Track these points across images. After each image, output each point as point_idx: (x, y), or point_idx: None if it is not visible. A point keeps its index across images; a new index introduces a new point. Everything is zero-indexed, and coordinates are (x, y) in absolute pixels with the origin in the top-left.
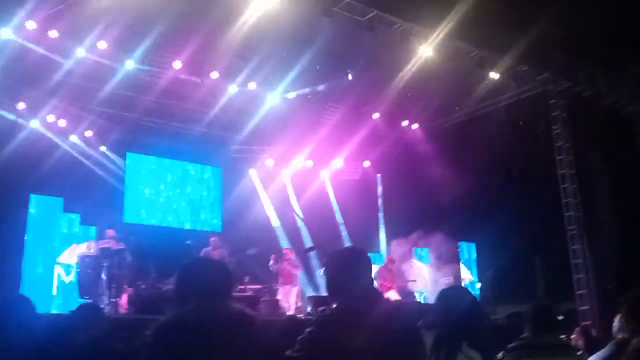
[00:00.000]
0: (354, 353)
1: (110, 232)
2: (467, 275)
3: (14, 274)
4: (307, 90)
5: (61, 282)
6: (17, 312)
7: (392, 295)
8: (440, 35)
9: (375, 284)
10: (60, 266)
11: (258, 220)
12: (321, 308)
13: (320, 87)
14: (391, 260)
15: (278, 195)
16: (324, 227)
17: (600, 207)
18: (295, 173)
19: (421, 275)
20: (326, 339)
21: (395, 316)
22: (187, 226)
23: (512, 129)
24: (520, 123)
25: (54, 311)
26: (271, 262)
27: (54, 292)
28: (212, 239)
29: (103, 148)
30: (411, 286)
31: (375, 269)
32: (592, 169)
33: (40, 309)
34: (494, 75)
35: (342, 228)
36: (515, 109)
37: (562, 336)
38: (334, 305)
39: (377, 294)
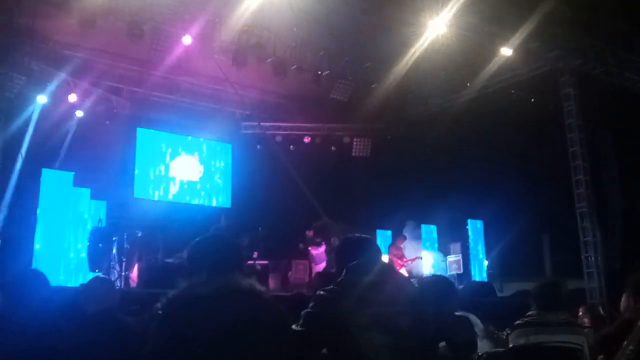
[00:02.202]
0: (357, 325)
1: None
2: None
3: (26, 248)
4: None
5: None
6: (31, 286)
7: (402, 272)
8: (452, 11)
9: (388, 259)
10: None
11: (267, 196)
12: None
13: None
14: (401, 238)
15: (287, 170)
16: (332, 202)
17: (609, 185)
18: (304, 149)
19: (428, 253)
20: (329, 314)
21: (402, 291)
22: (197, 202)
23: (523, 106)
24: (531, 100)
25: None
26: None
27: None
28: (224, 219)
29: (113, 123)
30: (419, 264)
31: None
32: (601, 146)
33: (52, 283)
34: (505, 52)
35: (351, 204)
36: (525, 85)
37: (569, 314)
38: (338, 281)
39: (387, 270)
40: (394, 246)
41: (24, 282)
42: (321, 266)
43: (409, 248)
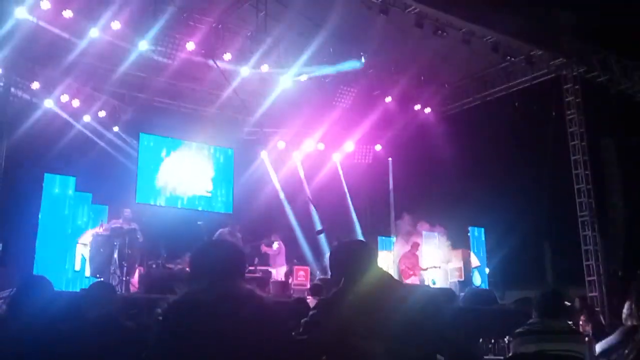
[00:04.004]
0: (356, 334)
1: (126, 212)
2: (475, 261)
3: (28, 253)
4: (319, 73)
5: (84, 261)
6: (37, 292)
7: (414, 281)
8: (455, 19)
9: (399, 268)
10: (84, 246)
11: (269, 202)
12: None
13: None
14: (415, 245)
15: (289, 177)
16: (334, 210)
17: (611, 194)
18: (306, 156)
19: (431, 260)
20: (327, 322)
21: (400, 300)
22: (198, 207)
23: (525, 114)
24: (534, 108)
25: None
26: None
27: (77, 267)
28: (230, 225)
29: (116, 128)
30: (435, 273)
31: (397, 253)
32: (604, 155)
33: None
34: (508, 60)
35: (353, 212)
36: (528, 93)
37: (570, 322)
38: (336, 289)
39: (385, 278)
40: (407, 255)
41: (29, 289)
42: (280, 270)
43: (426, 256)
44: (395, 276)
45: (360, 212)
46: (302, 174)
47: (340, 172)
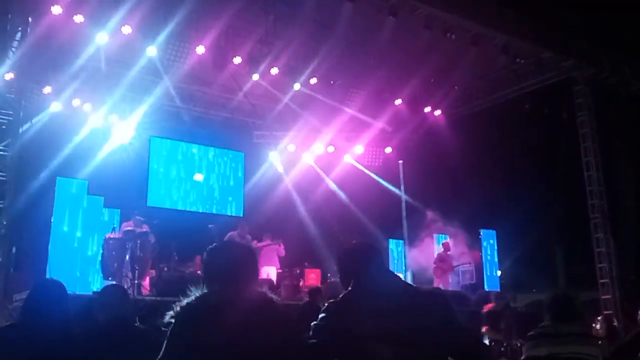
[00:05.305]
0: (365, 337)
1: (138, 217)
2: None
3: (40, 256)
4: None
5: None
6: (50, 295)
7: (446, 279)
8: (464, 21)
9: (433, 268)
10: None
11: (279, 204)
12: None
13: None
14: (446, 246)
15: (301, 179)
16: (345, 213)
17: (623, 195)
18: (316, 158)
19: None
20: (337, 326)
21: (410, 302)
22: (210, 210)
23: (536, 116)
24: (544, 109)
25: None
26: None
27: None
28: (240, 227)
29: (127, 131)
30: (465, 270)
31: (411, 255)
32: (616, 156)
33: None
34: (518, 62)
35: (364, 214)
36: (539, 95)
37: (583, 325)
38: (346, 292)
39: (395, 280)
40: (441, 255)
41: (43, 293)
42: (269, 270)
43: (456, 255)
44: (426, 277)
45: (370, 215)
46: (327, 178)
47: (364, 169)
